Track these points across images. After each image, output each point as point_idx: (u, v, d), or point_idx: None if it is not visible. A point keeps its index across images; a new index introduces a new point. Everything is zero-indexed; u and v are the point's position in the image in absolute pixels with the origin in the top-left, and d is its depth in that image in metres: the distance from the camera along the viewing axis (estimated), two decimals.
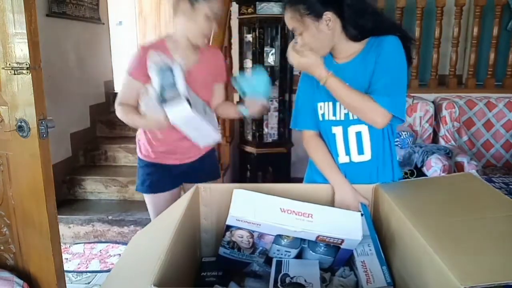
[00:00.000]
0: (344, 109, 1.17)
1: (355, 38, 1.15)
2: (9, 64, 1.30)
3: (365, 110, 1.09)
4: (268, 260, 1.03)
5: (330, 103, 1.18)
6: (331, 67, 1.17)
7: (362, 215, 1.07)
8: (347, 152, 1.20)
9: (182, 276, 0.90)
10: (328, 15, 1.09)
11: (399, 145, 2.74)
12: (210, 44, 3.00)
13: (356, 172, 1.19)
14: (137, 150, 1.62)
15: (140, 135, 1.60)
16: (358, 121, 1.16)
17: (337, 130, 1.19)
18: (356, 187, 1.15)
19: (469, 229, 0.85)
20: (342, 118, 1.18)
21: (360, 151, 1.19)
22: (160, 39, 1.52)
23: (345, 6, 1.10)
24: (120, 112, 1.46)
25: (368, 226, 1.07)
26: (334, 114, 1.19)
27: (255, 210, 0.93)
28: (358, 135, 1.18)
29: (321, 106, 1.21)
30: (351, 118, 1.17)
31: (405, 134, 2.76)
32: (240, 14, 3.06)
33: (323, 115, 1.20)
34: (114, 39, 3.88)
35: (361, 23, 1.13)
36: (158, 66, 1.26)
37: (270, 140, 3.22)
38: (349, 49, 1.17)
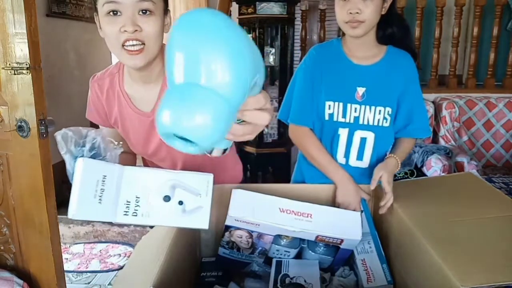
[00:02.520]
0: (355, 112, 1.16)
1: (381, 39, 1.16)
2: (9, 64, 1.30)
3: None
4: (268, 260, 1.03)
5: (341, 104, 1.16)
6: (349, 68, 1.16)
7: (362, 211, 1.07)
8: (347, 155, 1.20)
9: (182, 277, 0.90)
10: None
11: None
12: None
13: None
14: None
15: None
16: (367, 127, 1.16)
17: (343, 132, 1.18)
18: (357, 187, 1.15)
19: (469, 229, 0.85)
20: (352, 121, 1.17)
21: (360, 157, 1.19)
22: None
23: (395, 3, 1.14)
24: None
25: (368, 222, 1.07)
26: (344, 116, 1.17)
27: (254, 210, 0.93)
28: (363, 140, 1.17)
29: (330, 106, 1.17)
30: (360, 122, 1.16)
31: None
32: (240, 14, 3.06)
33: (331, 115, 1.18)
34: None
35: (395, 29, 1.16)
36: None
37: (270, 140, 3.22)
38: (370, 50, 1.16)
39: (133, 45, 0.90)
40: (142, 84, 1.04)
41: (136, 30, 0.89)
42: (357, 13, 1.06)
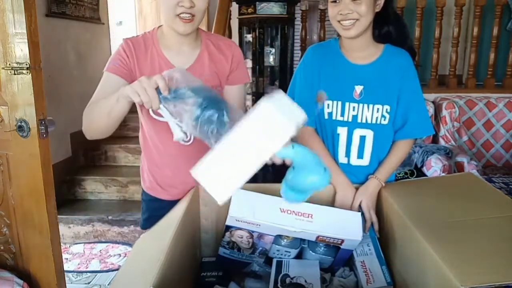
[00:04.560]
0: (353, 110, 1.16)
1: (377, 38, 1.16)
2: (9, 64, 1.30)
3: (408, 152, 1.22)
4: (268, 260, 1.03)
5: (339, 103, 1.16)
6: (346, 67, 1.17)
7: (362, 214, 1.07)
8: (347, 154, 1.19)
9: (182, 277, 0.90)
10: None
11: None
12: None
13: (351, 174, 1.18)
14: (141, 180, 1.37)
15: (142, 163, 1.34)
16: (365, 125, 1.16)
17: (342, 131, 1.18)
18: (357, 187, 1.15)
19: (469, 229, 0.85)
20: (350, 119, 1.16)
21: (360, 155, 1.19)
22: (153, 29, 1.21)
23: (389, 1, 1.14)
24: (86, 112, 1.07)
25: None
26: (342, 115, 1.17)
27: (255, 210, 0.93)
28: (362, 139, 1.17)
29: (328, 104, 1.17)
30: (358, 120, 1.16)
31: None
32: (240, 14, 3.06)
33: (330, 114, 1.18)
34: (114, 39, 3.88)
35: (391, 28, 1.16)
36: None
37: None
38: (367, 49, 1.16)
39: (187, 17, 1.07)
40: (178, 47, 1.17)
41: (191, 6, 1.05)
42: (349, 13, 1.07)
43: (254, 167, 0.75)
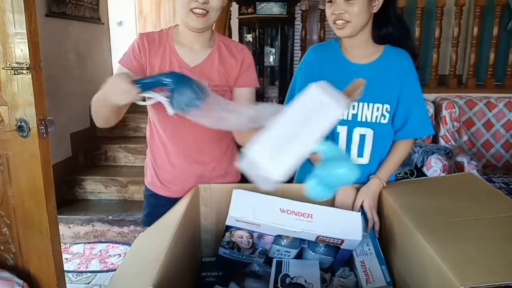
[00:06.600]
0: (353, 109, 1.16)
1: (377, 39, 1.16)
2: (9, 64, 1.30)
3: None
4: (268, 260, 1.03)
5: None
6: (346, 67, 1.17)
7: (362, 214, 1.07)
8: (347, 153, 1.19)
9: (182, 277, 0.90)
10: None
11: None
12: None
13: None
14: (144, 175, 1.38)
15: (146, 159, 1.35)
16: (365, 124, 1.16)
17: (342, 130, 1.18)
18: (357, 187, 1.15)
19: (469, 229, 0.85)
20: (350, 118, 1.17)
21: (360, 154, 1.19)
22: (170, 26, 1.25)
23: (390, 2, 1.14)
24: (93, 101, 1.10)
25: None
26: None
27: (255, 211, 0.93)
28: (362, 137, 1.17)
29: None
30: (358, 119, 1.16)
31: None
32: (240, 14, 3.06)
33: None
34: (114, 39, 3.88)
35: (391, 29, 1.16)
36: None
37: None
38: (367, 49, 1.17)
39: (200, 12, 1.09)
40: (191, 45, 1.20)
41: (205, 2, 1.08)
42: (341, 13, 1.09)
43: (306, 146, 0.78)
